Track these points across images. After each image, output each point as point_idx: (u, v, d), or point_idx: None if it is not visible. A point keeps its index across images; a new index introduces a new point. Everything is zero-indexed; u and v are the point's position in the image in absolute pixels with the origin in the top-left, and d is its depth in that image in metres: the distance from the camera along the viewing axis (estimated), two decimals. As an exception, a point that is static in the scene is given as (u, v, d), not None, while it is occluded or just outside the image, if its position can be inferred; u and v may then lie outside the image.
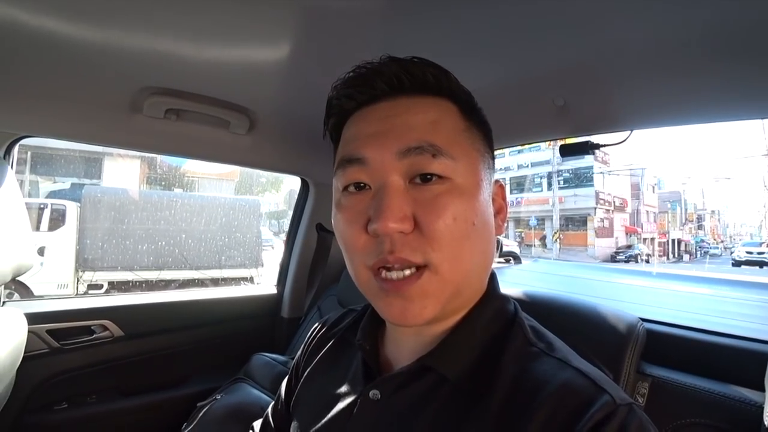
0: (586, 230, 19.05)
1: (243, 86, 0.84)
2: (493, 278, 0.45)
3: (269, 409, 0.60)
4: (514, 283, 1.05)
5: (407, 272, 0.36)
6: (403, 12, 0.58)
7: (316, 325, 0.59)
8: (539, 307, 0.73)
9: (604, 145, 0.92)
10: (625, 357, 0.65)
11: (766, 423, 0.52)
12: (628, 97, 0.77)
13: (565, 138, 0.97)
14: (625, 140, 0.91)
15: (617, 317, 0.71)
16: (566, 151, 0.96)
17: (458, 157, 0.38)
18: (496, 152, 0.49)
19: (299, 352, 0.58)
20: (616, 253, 18.72)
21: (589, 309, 0.74)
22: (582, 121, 0.87)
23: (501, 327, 0.41)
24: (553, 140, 1.05)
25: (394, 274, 0.36)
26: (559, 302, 0.78)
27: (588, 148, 0.92)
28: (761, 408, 0.55)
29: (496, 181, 0.45)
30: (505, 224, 0.46)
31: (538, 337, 0.40)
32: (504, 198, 0.45)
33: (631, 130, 0.87)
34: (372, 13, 0.59)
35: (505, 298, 0.44)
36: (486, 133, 0.44)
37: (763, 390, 0.58)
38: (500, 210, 0.45)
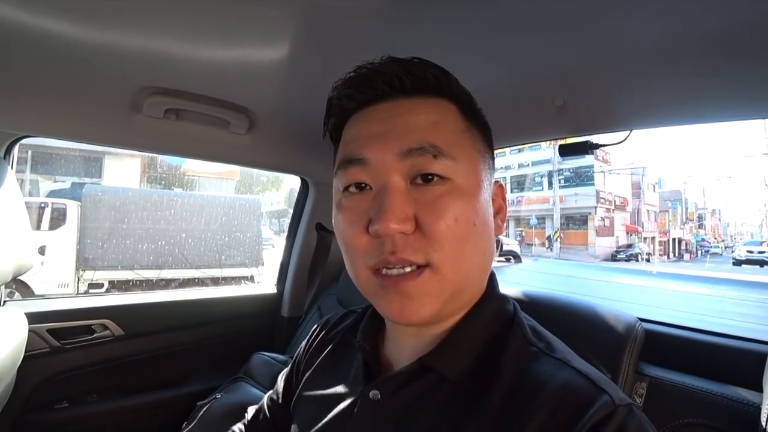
0: (587, 229, 19.03)
1: (242, 86, 0.84)
2: (492, 278, 0.45)
3: (265, 399, 0.60)
4: (513, 282, 1.05)
5: (407, 269, 0.36)
6: (403, 12, 0.58)
7: (315, 326, 0.59)
8: (538, 307, 0.74)
9: (604, 145, 0.92)
10: (624, 357, 0.66)
11: (763, 423, 0.52)
12: (627, 97, 0.77)
13: (564, 138, 0.97)
14: (624, 140, 0.91)
15: (616, 317, 0.71)
16: (565, 151, 0.96)
17: (459, 157, 0.38)
18: (497, 151, 0.49)
19: (301, 350, 0.58)
20: (617, 252, 18.71)
21: (587, 309, 0.74)
22: (581, 121, 0.87)
23: (501, 327, 0.41)
24: (552, 140, 1.05)
25: (394, 271, 0.37)
26: (558, 302, 0.78)
27: (587, 148, 0.92)
28: (759, 408, 0.55)
29: (496, 181, 0.45)
30: (505, 224, 0.47)
31: (537, 337, 0.40)
32: (504, 198, 0.46)
33: (631, 130, 0.87)
34: (372, 13, 0.59)
35: (505, 298, 0.44)
36: (486, 134, 0.44)
37: (761, 390, 0.58)
38: (500, 210, 0.45)
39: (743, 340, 0.69)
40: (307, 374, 0.52)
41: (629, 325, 0.69)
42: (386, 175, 0.38)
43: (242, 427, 0.59)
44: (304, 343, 0.59)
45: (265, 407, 0.59)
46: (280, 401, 0.58)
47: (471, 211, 0.38)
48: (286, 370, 0.60)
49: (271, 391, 0.61)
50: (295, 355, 0.59)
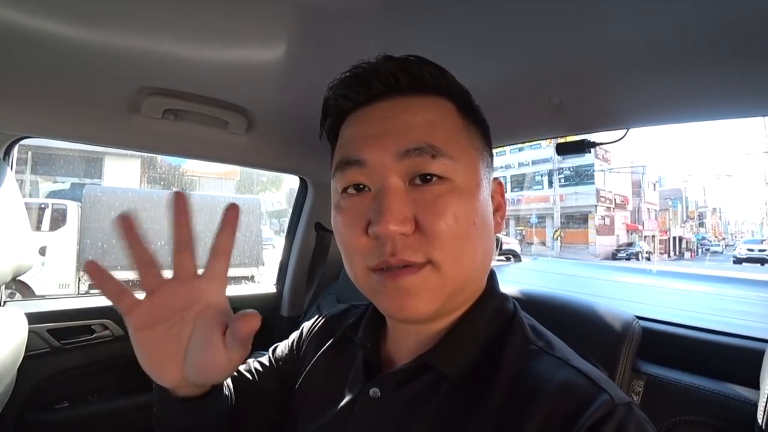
0: (587, 228, 19.05)
1: (241, 86, 0.85)
2: (492, 277, 0.45)
3: (252, 363, 0.57)
4: (512, 281, 1.05)
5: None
6: (401, 11, 0.58)
7: (318, 315, 0.58)
8: (535, 306, 0.74)
9: (601, 144, 0.92)
10: (621, 355, 0.66)
11: (760, 420, 0.52)
12: (624, 95, 0.77)
13: (561, 136, 0.97)
14: (621, 138, 0.91)
15: (613, 315, 0.71)
16: (562, 150, 0.96)
17: (457, 157, 0.38)
18: (496, 150, 0.49)
19: (303, 331, 0.58)
20: (617, 250, 18.73)
21: (585, 307, 0.74)
22: (579, 120, 0.86)
23: (500, 325, 0.41)
24: (549, 139, 1.05)
25: (394, 266, 0.36)
26: (556, 300, 0.78)
27: (584, 147, 0.92)
28: (755, 406, 0.56)
29: (495, 179, 0.45)
30: (504, 222, 0.47)
31: (537, 335, 0.40)
32: (503, 195, 0.46)
33: (628, 129, 0.87)
34: (369, 13, 0.59)
35: (505, 297, 0.44)
36: (484, 131, 0.44)
37: (757, 388, 0.58)
38: (499, 208, 0.45)
39: (740, 338, 0.69)
40: (308, 368, 0.52)
41: (626, 323, 0.69)
42: (385, 176, 0.37)
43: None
44: (308, 323, 0.58)
45: (253, 369, 0.56)
46: (275, 365, 0.56)
47: (471, 209, 0.38)
48: (280, 345, 0.59)
49: (261, 358, 0.58)
50: (296, 334, 0.58)
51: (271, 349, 0.59)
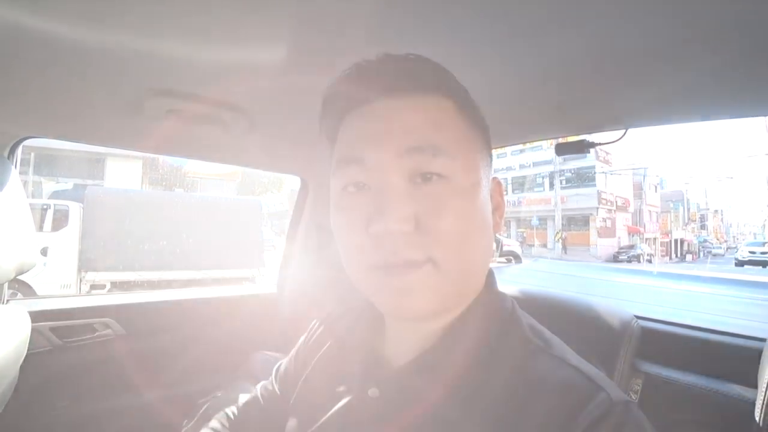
0: (589, 230, 19.02)
1: (242, 86, 0.85)
2: (490, 276, 0.45)
3: (258, 388, 0.60)
4: (512, 281, 1.05)
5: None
6: (401, 11, 0.59)
7: (315, 321, 0.59)
8: (534, 304, 0.74)
9: (600, 144, 0.93)
10: (619, 353, 0.66)
11: (757, 419, 0.53)
12: (624, 95, 0.77)
13: (561, 137, 0.98)
14: (620, 138, 0.91)
15: (612, 314, 0.71)
16: (562, 150, 0.97)
17: (458, 155, 0.38)
18: (498, 152, 0.49)
19: (300, 344, 0.58)
20: (619, 252, 18.69)
21: (584, 306, 0.75)
22: (578, 120, 0.87)
23: (499, 324, 0.41)
24: (548, 139, 1.06)
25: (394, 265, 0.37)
26: (555, 299, 0.79)
27: (584, 147, 0.92)
28: (753, 404, 0.56)
29: (494, 178, 0.45)
30: (505, 223, 0.47)
31: (535, 334, 0.40)
32: (501, 195, 0.46)
33: (627, 129, 0.87)
34: (370, 12, 0.59)
35: (503, 296, 0.44)
36: (484, 131, 0.44)
37: (755, 386, 0.58)
38: (498, 207, 0.45)
39: (738, 337, 0.69)
40: (307, 371, 0.52)
41: (625, 322, 0.69)
42: (385, 174, 0.37)
43: (234, 411, 0.59)
44: (303, 337, 0.59)
45: (259, 395, 0.59)
46: (277, 392, 0.58)
47: (471, 208, 0.38)
48: (284, 362, 0.60)
49: (265, 381, 0.61)
50: (294, 349, 0.59)
51: (275, 369, 0.61)
